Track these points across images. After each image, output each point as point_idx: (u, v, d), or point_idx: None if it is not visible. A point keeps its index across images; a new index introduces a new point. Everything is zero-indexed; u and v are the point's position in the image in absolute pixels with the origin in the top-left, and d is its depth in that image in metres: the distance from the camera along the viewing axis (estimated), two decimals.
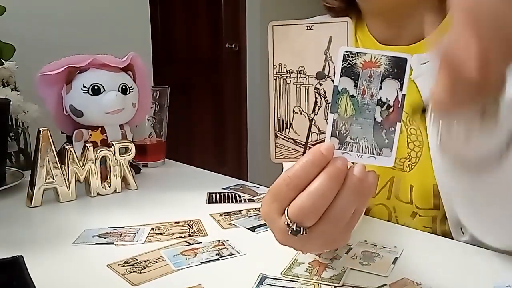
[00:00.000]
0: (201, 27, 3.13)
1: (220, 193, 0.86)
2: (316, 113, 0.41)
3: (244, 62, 3.26)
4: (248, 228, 0.69)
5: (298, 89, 0.41)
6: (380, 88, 0.38)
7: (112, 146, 0.87)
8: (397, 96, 0.38)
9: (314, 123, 0.41)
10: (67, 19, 1.88)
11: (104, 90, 0.85)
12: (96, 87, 0.84)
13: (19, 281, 0.44)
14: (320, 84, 0.40)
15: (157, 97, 1.05)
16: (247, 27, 3.21)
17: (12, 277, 0.44)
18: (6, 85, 1.12)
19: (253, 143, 3.33)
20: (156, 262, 0.58)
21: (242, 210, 0.77)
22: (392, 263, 0.56)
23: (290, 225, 0.40)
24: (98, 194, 0.85)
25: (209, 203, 0.81)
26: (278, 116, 0.41)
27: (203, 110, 3.22)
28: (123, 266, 0.57)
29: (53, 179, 0.80)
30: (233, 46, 3.21)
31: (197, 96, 3.16)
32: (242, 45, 3.23)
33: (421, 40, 0.71)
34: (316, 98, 0.41)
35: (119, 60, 0.88)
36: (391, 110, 0.38)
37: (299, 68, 0.40)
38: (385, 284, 0.52)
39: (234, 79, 3.28)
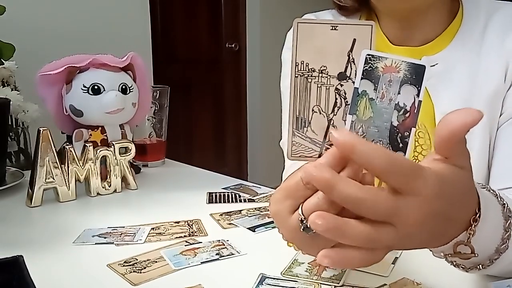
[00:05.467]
0: (201, 27, 3.13)
1: (220, 193, 0.86)
2: (335, 113, 0.41)
3: (244, 62, 3.26)
4: (248, 228, 0.69)
5: (319, 88, 0.41)
6: (399, 93, 0.38)
7: (112, 146, 0.87)
8: (414, 102, 0.38)
9: (333, 123, 0.41)
10: (67, 19, 1.88)
11: (104, 90, 0.85)
12: (96, 87, 0.84)
13: (19, 281, 0.44)
14: (341, 85, 0.41)
15: (157, 97, 1.05)
16: (247, 27, 3.21)
17: (12, 277, 0.44)
18: (6, 85, 1.12)
19: (253, 143, 3.33)
20: (156, 262, 0.58)
21: (242, 210, 0.77)
22: (392, 263, 0.56)
23: (304, 222, 0.40)
24: (98, 194, 0.85)
25: (209, 203, 0.81)
26: (297, 114, 0.41)
27: (203, 110, 3.22)
28: (123, 266, 0.57)
29: (53, 179, 0.80)
30: (233, 46, 3.21)
31: (197, 96, 3.16)
32: (242, 45, 3.23)
33: (430, 42, 0.71)
34: (336, 98, 0.41)
35: (119, 60, 0.88)
36: (407, 115, 0.39)
37: (321, 67, 0.41)
38: (385, 284, 0.52)
39: (234, 79, 3.28)
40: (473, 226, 0.41)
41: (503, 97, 0.67)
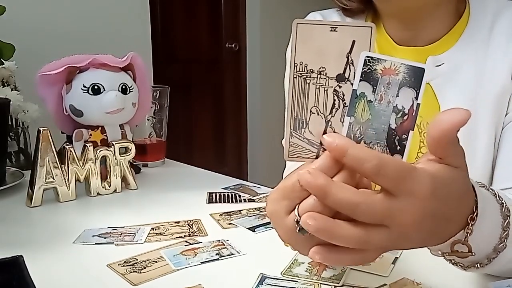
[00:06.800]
0: (201, 27, 3.13)
1: (220, 193, 0.86)
2: (333, 115, 0.41)
3: (244, 62, 3.26)
4: (248, 228, 0.69)
5: (317, 89, 0.41)
6: (397, 95, 0.38)
7: (112, 146, 0.87)
8: (412, 105, 0.38)
9: (330, 124, 0.41)
10: (67, 19, 1.88)
11: (104, 90, 0.85)
12: (96, 87, 0.84)
13: (19, 281, 0.44)
14: (340, 87, 0.41)
15: (157, 97, 1.05)
16: (247, 27, 3.21)
17: (12, 277, 0.44)
18: (6, 85, 1.12)
19: (253, 143, 3.33)
20: (156, 262, 0.58)
21: (242, 210, 0.77)
22: (392, 263, 0.56)
23: (300, 222, 0.40)
24: (98, 194, 0.85)
25: (209, 203, 0.81)
26: (295, 115, 0.41)
27: (203, 110, 3.22)
28: (123, 266, 0.57)
29: (53, 179, 0.80)
30: (233, 46, 3.21)
31: (197, 96, 3.16)
32: (242, 45, 3.23)
33: (436, 42, 0.71)
34: (334, 100, 0.41)
35: (119, 60, 0.88)
36: (405, 117, 0.38)
37: (320, 68, 0.40)
38: (385, 284, 0.52)
39: (234, 79, 3.28)
40: (470, 225, 0.41)
41: (509, 96, 0.67)
